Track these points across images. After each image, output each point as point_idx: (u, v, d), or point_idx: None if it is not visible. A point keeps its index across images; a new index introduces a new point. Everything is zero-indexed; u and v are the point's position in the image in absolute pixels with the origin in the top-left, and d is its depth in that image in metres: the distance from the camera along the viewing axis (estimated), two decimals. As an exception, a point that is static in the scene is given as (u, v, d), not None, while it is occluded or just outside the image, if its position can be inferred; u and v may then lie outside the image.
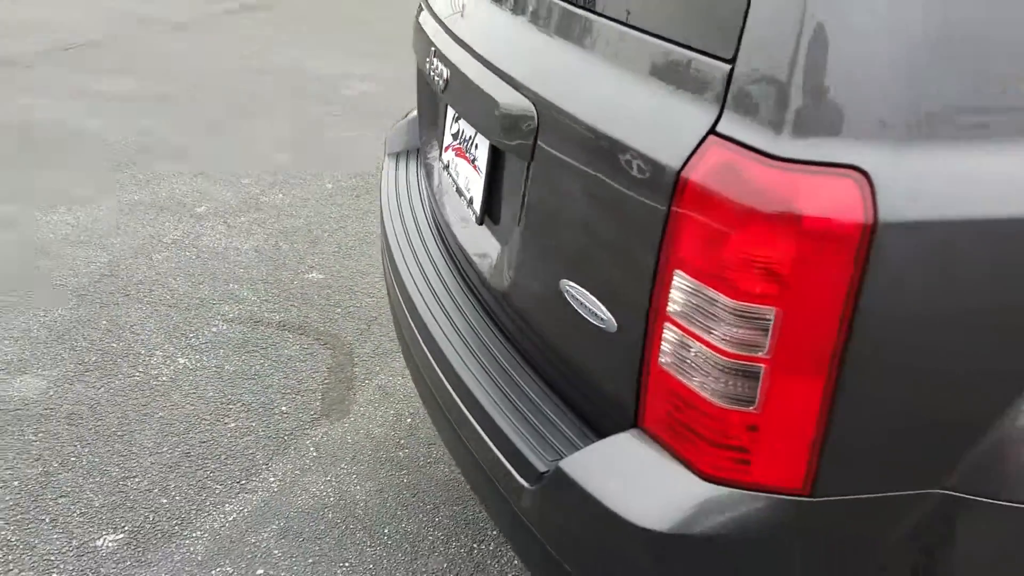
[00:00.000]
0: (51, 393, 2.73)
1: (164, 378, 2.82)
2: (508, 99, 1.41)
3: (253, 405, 2.72)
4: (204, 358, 2.92)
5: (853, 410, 1.05)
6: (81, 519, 2.27)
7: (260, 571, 2.15)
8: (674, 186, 1.07)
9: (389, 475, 2.47)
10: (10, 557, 2.15)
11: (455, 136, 1.81)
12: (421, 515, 2.33)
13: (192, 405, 2.70)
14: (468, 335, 1.58)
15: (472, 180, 1.69)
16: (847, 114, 0.97)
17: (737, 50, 1.03)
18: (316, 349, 3.00)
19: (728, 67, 1.04)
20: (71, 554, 2.16)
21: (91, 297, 3.25)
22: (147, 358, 2.92)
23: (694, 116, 1.08)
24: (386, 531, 2.28)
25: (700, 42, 1.09)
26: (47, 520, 2.26)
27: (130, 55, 6.24)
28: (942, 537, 1.14)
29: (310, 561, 2.18)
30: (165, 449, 2.52)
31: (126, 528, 2.25)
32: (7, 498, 2.32)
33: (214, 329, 3.08)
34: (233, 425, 2.63)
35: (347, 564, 2.18)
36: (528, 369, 1.48)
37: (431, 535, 2.28)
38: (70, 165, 4.38)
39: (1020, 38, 0.97)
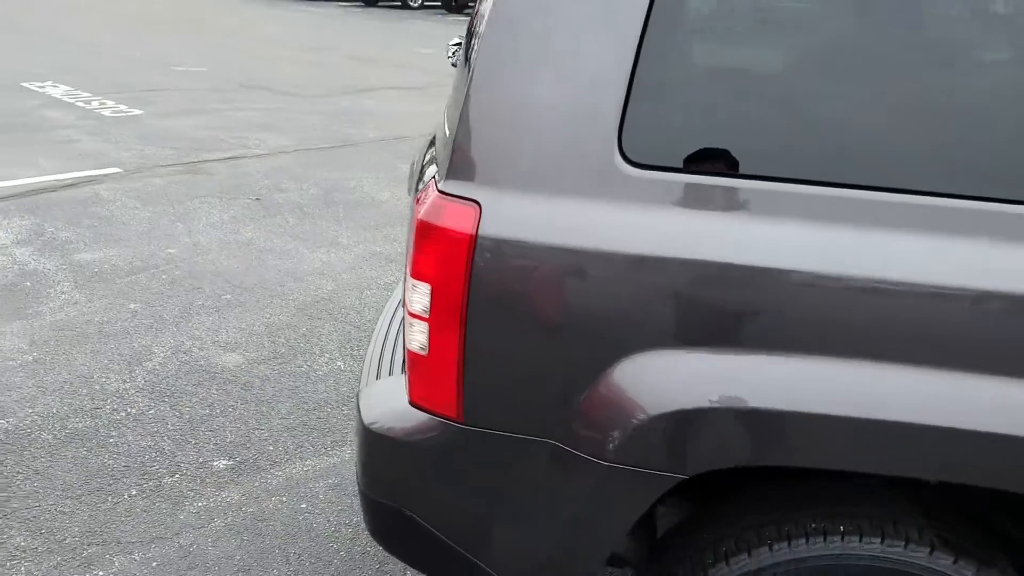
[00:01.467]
0: (242, 367, 3.69)
1: (320, 372, 3.68)
2: (415, 159, 2.07)
3: (369, 403, 3.47)
4: (355, 365, 3.75)
5: (476, 362, 1.55)
6: (212, 447, 3.14)
7: (304, 505, 2.86)
8: (413, 206, 1.67)
9: (431, 468, 3.09)
10: (158, 458, 3.06)
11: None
12: (437, 499, 2.92)
13: (327, 393, 3.52)
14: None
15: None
16: (475, 170, 1.52)
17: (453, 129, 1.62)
18: (437, 375, 3.71)
19: (453, 139, 1.63)
20: (193, 465, 3.03)
21: (306, 311, 4.24)
22: (317, 357, 3.80)
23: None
24: (405, 503, 2.90)
25: (451, 124, 1.69)
26: (192, 443, 3.16)
27: (441, 147, 7.51)
28: (550, 479, 1.57)
29: (339, 508, 2.86)
30: (292, 417, 3.35)
31: (237, 459, 3.08)
32: (179, 425, 3.26)
33: (374, 348, 3.91)
34: (347, 412, 3.40)
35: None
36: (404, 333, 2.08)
37: (434, 513, 2.85)
38: (347, 221, 5.55)
39: (558, 134, 1.47)
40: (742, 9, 1.48)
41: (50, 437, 3.15)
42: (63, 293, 4.35)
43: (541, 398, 1.55)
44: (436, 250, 1.53)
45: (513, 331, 1.52)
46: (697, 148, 1.45)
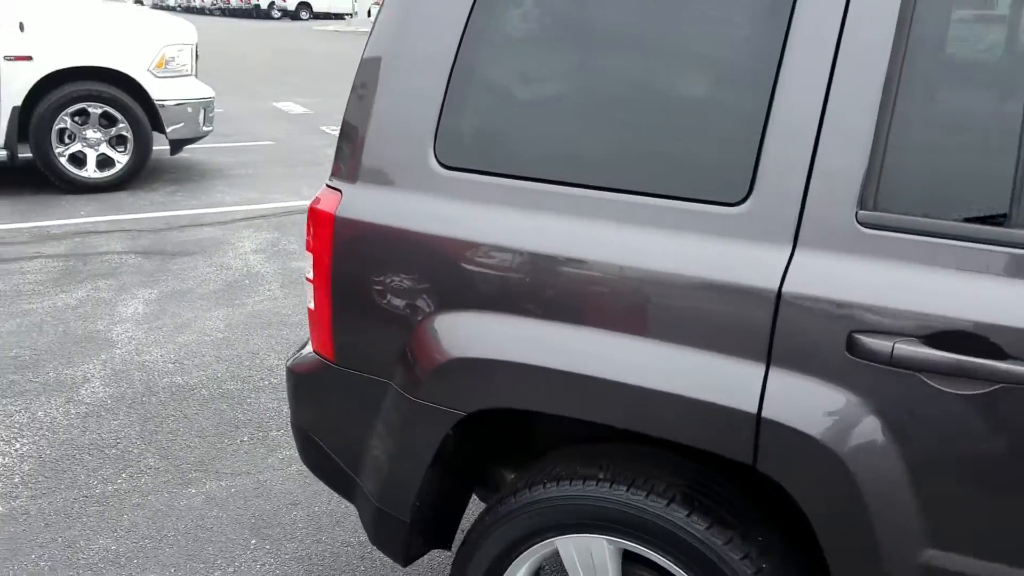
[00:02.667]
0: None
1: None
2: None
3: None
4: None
5: (339, 316, 2.02)
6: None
7: (365, 465, 3.42)
8: (329, 198, 2.19)
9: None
10: (275, 417, 3.77)
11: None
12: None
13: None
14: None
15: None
16: (344, 167, 2.01)
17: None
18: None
19: (336, 144, 2.14)
20: (297, 425, 3.71)
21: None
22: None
23: (349, 167, 2.19)
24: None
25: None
26: (306, 409, 3.84)
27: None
28: (387, 412, 2.00)
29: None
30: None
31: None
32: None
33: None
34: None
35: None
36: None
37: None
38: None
39: (395, 142, 1.91)
40: (522, 62, 1.86)
41: (206, 393, 3.97)
42: (269, 291, 5.29)
43: (381, 346, 2.00)
44: (315, 228, 2.05)
45: (359, 291, 1.99)
46: (485, 154, 1.85)
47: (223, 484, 3.27)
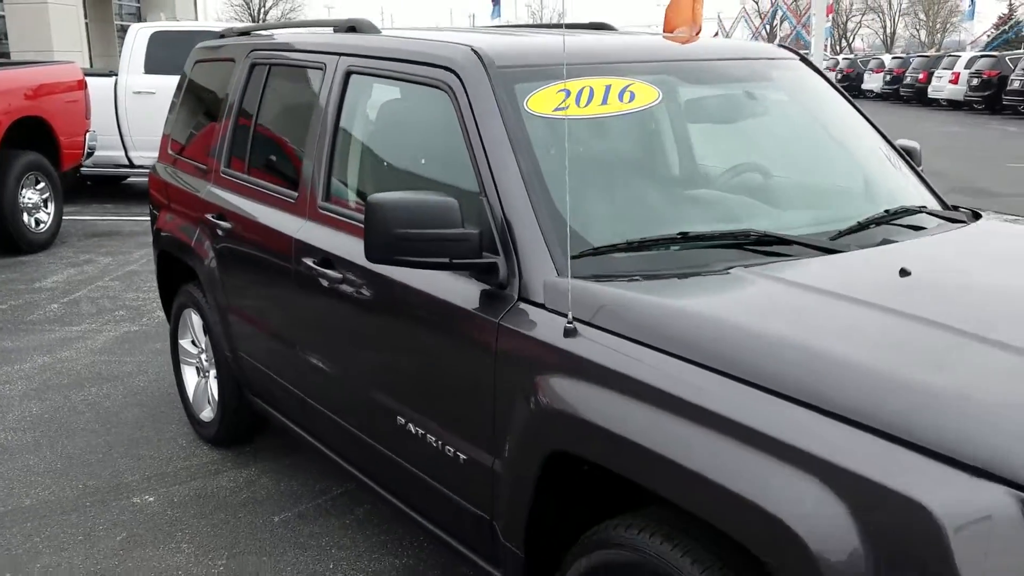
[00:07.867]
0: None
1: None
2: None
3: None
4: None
5: (153, 214, 4.72)
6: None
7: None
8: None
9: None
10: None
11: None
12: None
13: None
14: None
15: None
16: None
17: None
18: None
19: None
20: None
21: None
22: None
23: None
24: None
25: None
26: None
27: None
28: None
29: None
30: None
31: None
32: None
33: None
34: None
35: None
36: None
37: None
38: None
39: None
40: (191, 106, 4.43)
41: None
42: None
43: (156, 229, 4.67)
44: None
45: (153, 204, 4.69)
46: (179, 146, 4.46)
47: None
